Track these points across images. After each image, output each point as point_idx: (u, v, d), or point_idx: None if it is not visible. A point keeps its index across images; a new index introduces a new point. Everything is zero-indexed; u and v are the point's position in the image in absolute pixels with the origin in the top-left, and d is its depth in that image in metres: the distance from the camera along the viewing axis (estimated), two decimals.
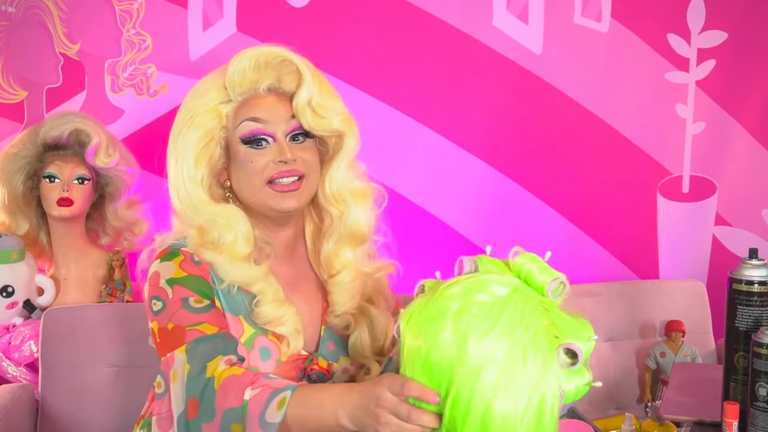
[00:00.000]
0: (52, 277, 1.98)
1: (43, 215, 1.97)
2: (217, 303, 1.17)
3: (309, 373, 1.20)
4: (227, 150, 1.21)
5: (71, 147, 1.93)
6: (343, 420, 0.96)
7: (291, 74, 1.20)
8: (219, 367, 1.06)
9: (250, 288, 1.18)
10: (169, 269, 1.16)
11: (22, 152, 1.90)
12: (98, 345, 1.82)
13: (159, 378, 1.15)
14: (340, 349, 1.25)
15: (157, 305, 1.14)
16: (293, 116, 1.20)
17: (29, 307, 1.91)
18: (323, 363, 1.22)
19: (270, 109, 1.19)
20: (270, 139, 1.18)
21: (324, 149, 1.25)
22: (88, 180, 1.94)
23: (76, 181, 1.92)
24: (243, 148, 1.18)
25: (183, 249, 1.19)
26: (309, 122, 1.19)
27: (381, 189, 1.29)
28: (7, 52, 2.06)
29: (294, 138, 1.20)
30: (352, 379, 1.26)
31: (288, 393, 0.99)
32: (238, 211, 1.19)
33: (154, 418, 1.17)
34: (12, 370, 1.87)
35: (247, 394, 1.01)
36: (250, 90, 1.19)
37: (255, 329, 1.18)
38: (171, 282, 1.15)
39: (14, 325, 1.91)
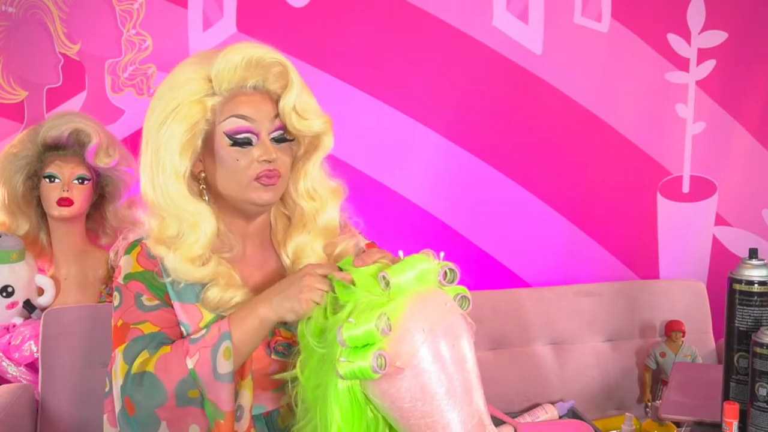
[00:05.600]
0: (52, 277, 1.98)
1: (43, 215, 1.97)
2: (169, 295, 1.21)
3: (274, 346, 1.22)
4: (205, 142, 1.21)
5: (71, 147, 1.93)
6: (263, 312, 1.09)
7: (277, 75, 1.21)
8: (141, 359, 1.12)
9: (198, 282, 1.21)
10: (129, 263, 1.22)
11: (22, 152, 1.90)
12: (98, 345, 1.81)
13: (106, 377, 1.20)
14: None
15: (116, 300, 1.21)
16: (276, 116, 1.21)
17: (29, 307, 1.91)
18: (286, 333, 1.23)
19: (256, 108, 1.19)
20: (254, 138, 1.19)
21: (296, 147, 1.27)
22: (88, 180, 1.94)
23: (76, 181, 1.92)
24: (228, 145, 1.19)
25: (143, 241, 1.23)
26: (294, 125, 1.21)
27: (343, 183, 1.32)
28: (7, 52, 2.06)
29: (275, 140, 1.21)
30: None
31: (227, 342, 1.10)
32: (209, 212, 1.20)
33: (105, 416, 1.22)
34: (12, 370, 1.87)
35: (189, 363, 1.09)
36: (237, 86, 1.20)
37: (215, 314, 1.20)
38: (128, 278, 1.21)
39: (14, 325, 1.91)
